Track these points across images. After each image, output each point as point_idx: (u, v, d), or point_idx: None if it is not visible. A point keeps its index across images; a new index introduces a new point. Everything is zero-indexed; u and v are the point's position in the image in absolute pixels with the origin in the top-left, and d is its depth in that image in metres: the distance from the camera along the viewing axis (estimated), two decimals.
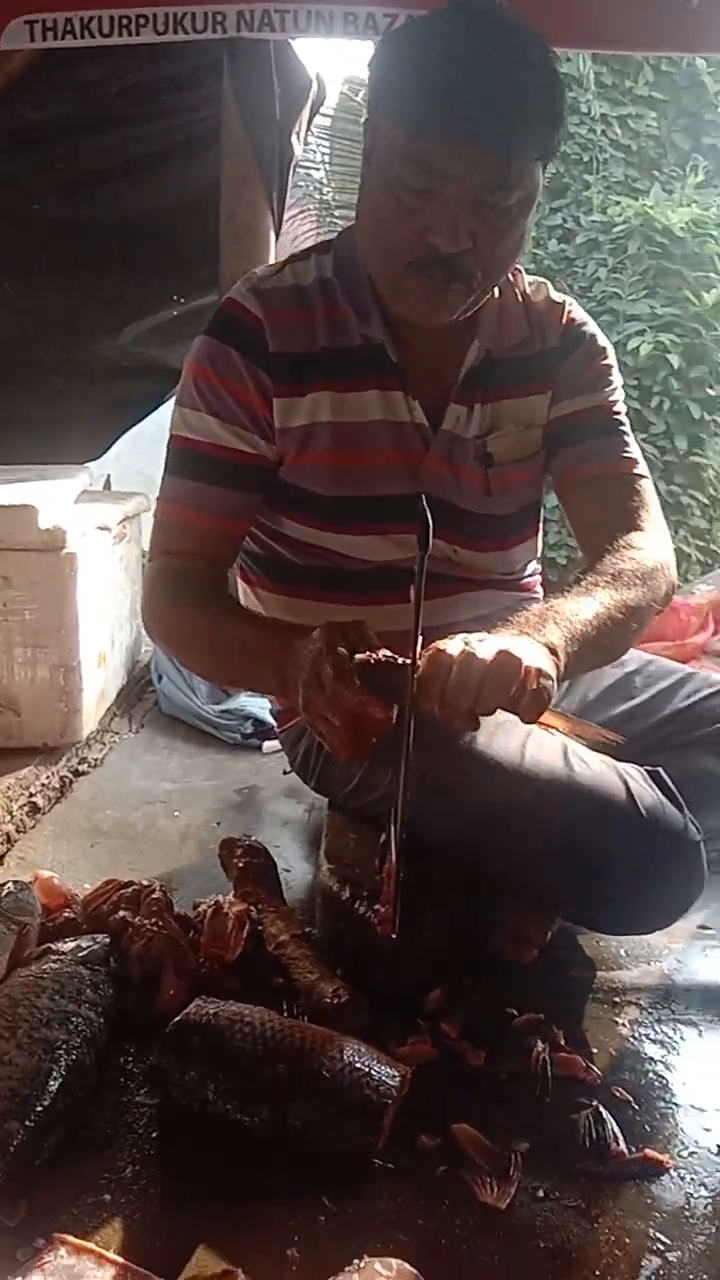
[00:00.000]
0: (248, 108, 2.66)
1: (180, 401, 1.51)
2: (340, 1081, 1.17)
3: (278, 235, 2.81)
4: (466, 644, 1.12)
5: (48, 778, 2.12)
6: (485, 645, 1.12)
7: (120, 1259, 0.99)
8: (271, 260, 2.53)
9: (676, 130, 5.25)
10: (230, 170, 2.72)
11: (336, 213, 5.50)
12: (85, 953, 1.37)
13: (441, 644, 1.13)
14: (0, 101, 3.03)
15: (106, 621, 2.34)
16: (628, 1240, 1.06)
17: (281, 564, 1.58)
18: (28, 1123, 1.11)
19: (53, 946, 1.39)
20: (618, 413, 1.57)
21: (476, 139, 1.25)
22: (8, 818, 1.94)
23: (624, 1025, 1.43)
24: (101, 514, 2.34)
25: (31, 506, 2.07)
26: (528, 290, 1.56)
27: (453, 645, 1.12)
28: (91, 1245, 1.00)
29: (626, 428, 1.57)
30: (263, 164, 2.70)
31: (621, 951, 1.60)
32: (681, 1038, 1.40)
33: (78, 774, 2.24)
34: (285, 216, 5.67)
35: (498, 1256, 1.04)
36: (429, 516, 1.06)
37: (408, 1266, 0.96)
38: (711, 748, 1.62)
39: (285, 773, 2.09)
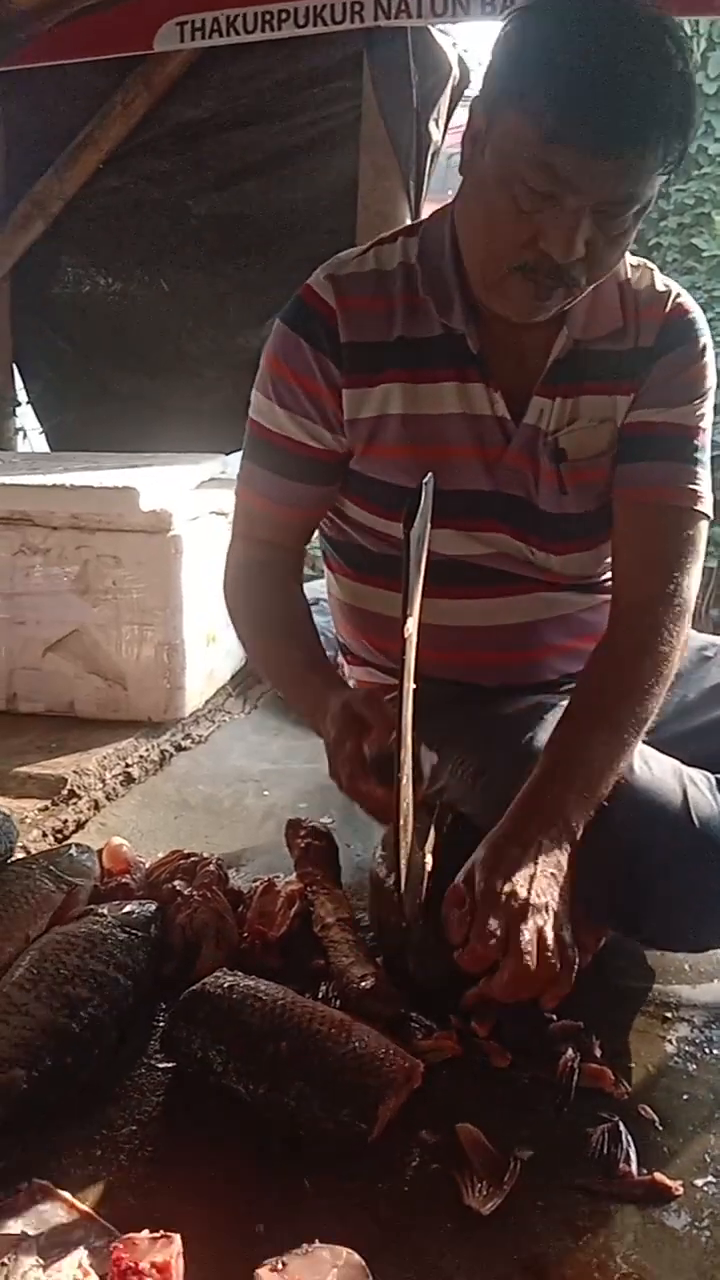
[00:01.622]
0: (385, 97, 2.67)
1: (257, 386, 1.52)
2: (340, 1066, 1.16)
3: None
4: (489, 930, 1.14)
5: (147, 750, 2.19)
6: (512, 950, 1.13)
7: (88, 1209, 1.02)
8: None
9: None
10: (367, 160, 2.75)
11: None
12: (126, 917, 1.41)
13: (473, 943, 1.15)
14: (161, 102, 3.19)
15: (218, 603, 2.38)
16: (609, 1264, 1.00)
17: (357, 549, 1.57)
18: (34, 1072, 1.15)
19: (95, 908, 1.43)
20: (697, 435, 1.44)
21: (612, 154, 1.17)
22: (100, 785, 2.02)
23: (670, 1042, 1.35)
24: (221, 499, 2.39)
25: (133, 489, 2.14)
26: (629, 276, 1.45)
27: (479, 941, 1.14)
28: (65, 1195, 1.03)
29: (703, 456, 1.44)
30: (399, 153, 2.70)
31: (686, 966, 1.50)
32: None
33: (180, 749, 2.30)
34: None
35: (459, 1261, 1.00)
36: (423, 499, 1.03)
37: (355, 1256, 0.94)
38: None
39: None
